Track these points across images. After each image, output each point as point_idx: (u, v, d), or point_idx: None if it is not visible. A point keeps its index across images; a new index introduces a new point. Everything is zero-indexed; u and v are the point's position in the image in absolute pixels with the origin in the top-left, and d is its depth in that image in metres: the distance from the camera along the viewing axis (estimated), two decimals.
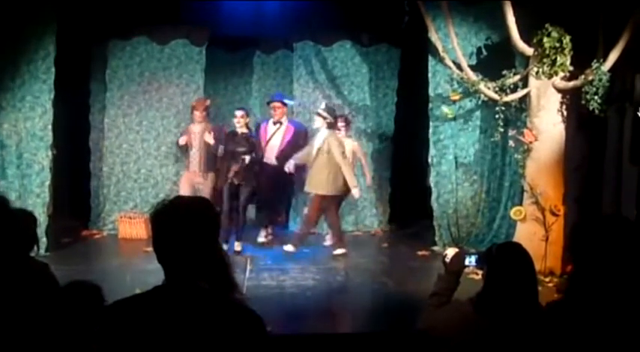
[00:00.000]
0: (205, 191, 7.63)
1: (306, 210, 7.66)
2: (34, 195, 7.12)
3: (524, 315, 2.48)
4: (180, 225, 1.83)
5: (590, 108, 6.14)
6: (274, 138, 7.85)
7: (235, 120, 7.39)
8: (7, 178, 7.11)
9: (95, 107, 8.58)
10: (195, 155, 7.78)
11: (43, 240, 6.75)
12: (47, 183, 7.16)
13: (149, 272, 5.90)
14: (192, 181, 7.79)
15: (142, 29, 8.33)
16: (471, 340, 2.57)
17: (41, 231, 6.69)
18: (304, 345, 4.64)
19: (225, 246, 6.27)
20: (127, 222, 8.10)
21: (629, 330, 1.97)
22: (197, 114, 7.81)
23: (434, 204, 7.72)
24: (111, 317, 1.86)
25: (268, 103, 8.06)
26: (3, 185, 7.00)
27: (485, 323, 2.56)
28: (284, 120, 7.95)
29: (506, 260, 2.59)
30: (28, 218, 3.11)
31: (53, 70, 7.08)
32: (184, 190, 7.63)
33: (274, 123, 7.90)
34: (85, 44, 8.33)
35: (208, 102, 8.03)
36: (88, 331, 2.60)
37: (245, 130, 7.40)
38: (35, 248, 3.13)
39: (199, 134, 7.74)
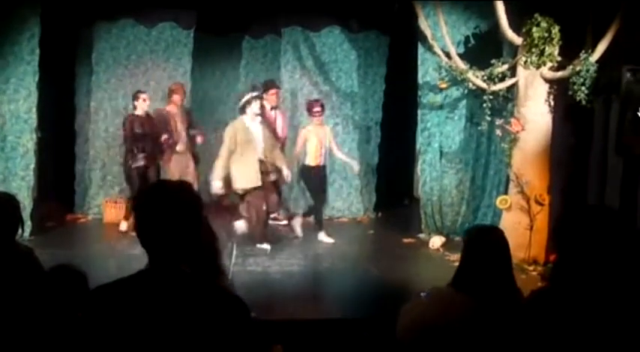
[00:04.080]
0: (191, 173, 7.59)
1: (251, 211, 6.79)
2: (19, 178, 7.07)
3: (500, 290, 2.70)
4: (164, 209, 1.82)
5: (577, 98, 6.17)
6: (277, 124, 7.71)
7: (138, 103, 7.37)
8: None
9: (81, 90, 8.49)
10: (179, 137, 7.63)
11: (28, 224, 6.71)
12: (32, 166, 7.11)
13: (133, 257, 5.93)
14: (180, 163, 7.67)
15: (128, 11, 8.23)
16: (456, 319, 2.64)
17: (26, 214, 6.64)
18: (289, 331, 4.66)
19: None
20: (112, 207, 8.07)
21: (613, 318, 1.99)
22: (175, 97, 7.66)
23: (420, 192, 7.74)
24: (95, 301, 1.86)
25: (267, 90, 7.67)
26: None
27: (466, 301, 2.68)
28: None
29: (481, 239, 2.80)
30: (11, 201, 3.08)
31: (38, 51, 7.00)
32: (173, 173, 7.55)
33: (271, 109, 7.67)
34: (71, 26, 8.21)
35: (185, 86, 7.93)
36: (73, 315, 2.59)
37: (146, 114, 7.39)
38: (20, 231, 3.10)
39: (174, 116, 7.57)
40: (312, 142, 7.16)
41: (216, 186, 6.65)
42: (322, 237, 7.35)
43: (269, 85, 7.83)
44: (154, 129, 7.33)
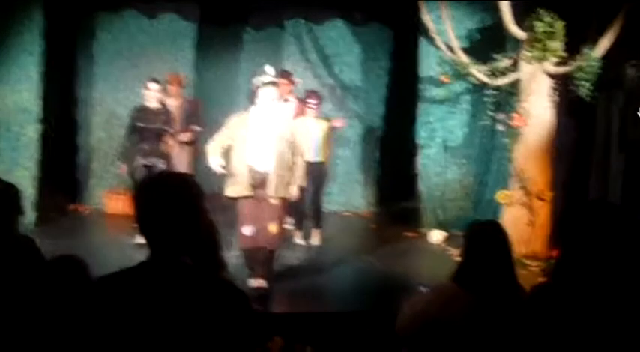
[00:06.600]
0: (183, 163, 7.33)
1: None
2: (23, 169, 7.08)
3: (501, 285, 2.71)
4: (164, 201, 1.82)
5: (580, 94, 6.16)
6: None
7: (150, 94, 6.54)
8: None
9: (82, 81, 8.47)
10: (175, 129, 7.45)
11: (32, 214, 6.72)
12: (36, 156, 7.13)
13: (136, 248, 5.93)
14: (175, 156, 7.45)
15: (131, 3, 8.22)
16: (457, 314, 2.66)
17: (29, 204, 6.66)
18: (290, 323, 4.67)
19: None
20: (114, 198, 8.07)
21: (614, 313, 2.00)
22: (172, 88, 7.36)
23: (422, 187, 7.74)
24: (96, 291, 1.86)
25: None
26: None
27: (468, 296, 2.69)
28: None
29: (481, 234, 2.81)
30: (8, 190, 3.07)
31: (41, 42, 6.99)
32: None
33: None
34: (73, 16, 8.20)
35: (182, 77, 7.72)
36: (74, 304, 2.60)
37: (158, 105, 6.62)
38: (23, 220, 3.10)
39: (175, 109, 7.27)
40: (300, 136, 6.18)
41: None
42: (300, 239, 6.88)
43: (281, 74, 6.97)
44: (156, 122, 6.68)
